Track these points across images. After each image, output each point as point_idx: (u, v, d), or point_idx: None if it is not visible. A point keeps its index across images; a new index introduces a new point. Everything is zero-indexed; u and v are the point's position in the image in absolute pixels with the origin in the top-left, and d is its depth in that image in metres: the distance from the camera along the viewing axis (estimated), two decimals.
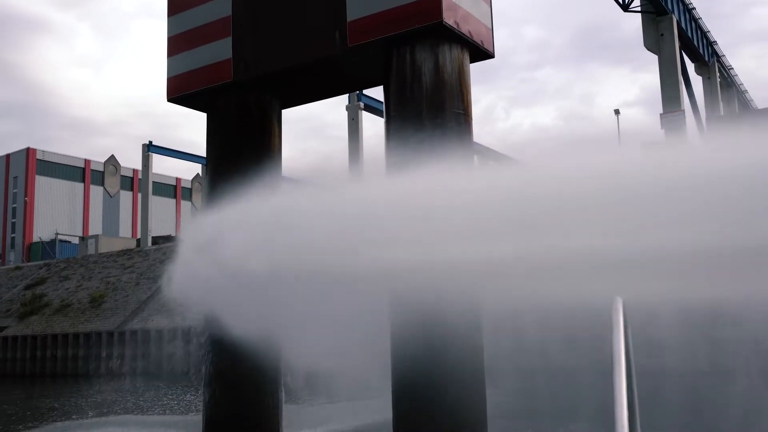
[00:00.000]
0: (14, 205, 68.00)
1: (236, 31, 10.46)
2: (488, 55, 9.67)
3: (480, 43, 9.29)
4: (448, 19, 8.66)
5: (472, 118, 9.15)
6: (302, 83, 10.67)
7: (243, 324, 8.93)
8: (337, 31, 9.43)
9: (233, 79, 10.40)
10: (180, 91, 10.95)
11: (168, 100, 11.09)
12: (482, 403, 8.39)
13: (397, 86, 8.96)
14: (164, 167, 72.12)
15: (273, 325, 8.86)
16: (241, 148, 10.78)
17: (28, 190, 66.99)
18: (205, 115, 11.29)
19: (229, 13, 10.54)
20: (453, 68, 8.84)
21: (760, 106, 45.95)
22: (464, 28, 8.97)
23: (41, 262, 53.18)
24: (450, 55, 8.92)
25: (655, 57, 29.81)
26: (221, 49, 10.55)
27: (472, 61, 9.52)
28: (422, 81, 8.78)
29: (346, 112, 39.05)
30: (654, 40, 30.03)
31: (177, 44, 11.06)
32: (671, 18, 30.26)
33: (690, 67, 38.92)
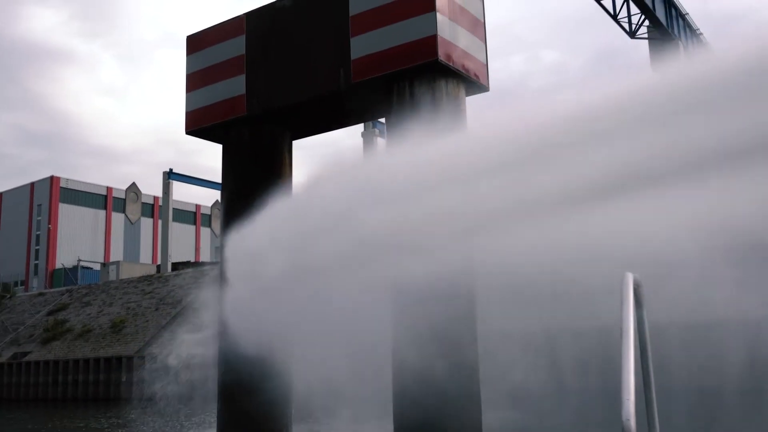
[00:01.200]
0: (38, 233, 69.46)
1: (249, 68, 11.24)
2: (483, 88, 10.35)
3: (475, 78, 9.97)
4: (444, 56, 9.35)
5: None
6: (311, 116, 11.40)
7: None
8: (342, 68, 10.17)
9: (247, 113, 11.16)
10: (197, 125, 11.71)
11: (186, 133, 11.86)
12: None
13: (397, 118, 9.65)
14: (184, 194, 73.48)
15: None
16: (255, 176, 11.49)
17: (52, 217, 68.47)
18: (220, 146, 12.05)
19: (243, 52, 11.33)
20: (449, 101, 9.52)
21: None
22: (459, 64, 9.66)
23: (63, 288, 54.25)
24: (446, 89, 9.60)
25: None
26: (236, 86, 11.32)
27: (468, 95, 10.21)
28: (420, 113, 9.46)
29: (362, 139, 39.97)
30: (661, 65, 30.57)
31: (195, 81, 11.85)
32: (677, 44, 30.85)
33: None
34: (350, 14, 10.12)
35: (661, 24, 29.82)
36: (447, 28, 9.42)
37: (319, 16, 10.55)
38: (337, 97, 10.50)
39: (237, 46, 11.40)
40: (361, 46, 9.92)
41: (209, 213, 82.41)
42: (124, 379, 36.65)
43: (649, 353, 3.83)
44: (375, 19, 9.78)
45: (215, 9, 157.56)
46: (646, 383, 3.83)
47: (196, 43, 12.00)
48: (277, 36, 11.03)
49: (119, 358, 37.45)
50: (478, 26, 10.20)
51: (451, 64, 9.46)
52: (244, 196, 11.35)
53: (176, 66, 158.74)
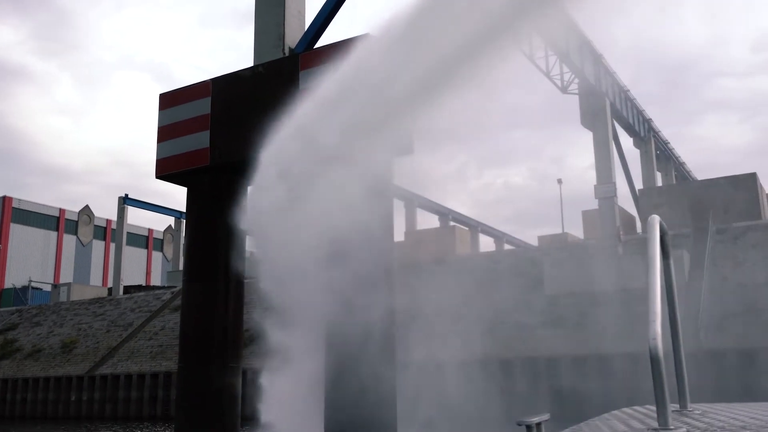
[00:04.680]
0: None
1: (213, 125, 13.29)
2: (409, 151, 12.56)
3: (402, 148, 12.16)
4: None
5: None
6: None
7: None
8: None
9: (210, 164, 13.17)
10: (166, 171, 13.68)
11: (156, 177, 13.80)
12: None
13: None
14: (137, 217, 74.11)
15: None
16: (215, 218, 13.48)
17: (2, 237, 68.51)
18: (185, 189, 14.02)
19: (208, 111, 13.38)
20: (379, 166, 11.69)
21: (719, 174, 49.77)
22: None
23: (13, 308, 54.54)
24: None
25: None
26: (201, 139, 13.34)
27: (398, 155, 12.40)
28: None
29: None
30: (589, 118, 33.58)
31: (165, 133, 13.83)
32: (605, 100, 33.93)
33: (629, 141, 42.81)
34: (299, 88, 12.28)
35: (589, 81, 32.89)
36: None
37: (274, 86, 12.68)
38: None
39: (203, 106, 13.42)
40: None
41: (161, 237, 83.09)
42: (73, 398, 37.55)
43: (676, 299, 4.06)
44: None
45: (174, 34, 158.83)
46: (673, 328, 4.07)
47: (168, 100, 13.99)
48: (237, 100, 13.12)
49: (70, 378, 38.35)
50: None
51: None
52: (204, 231, 13.42)
53: (133, 88, 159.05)
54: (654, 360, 3.18)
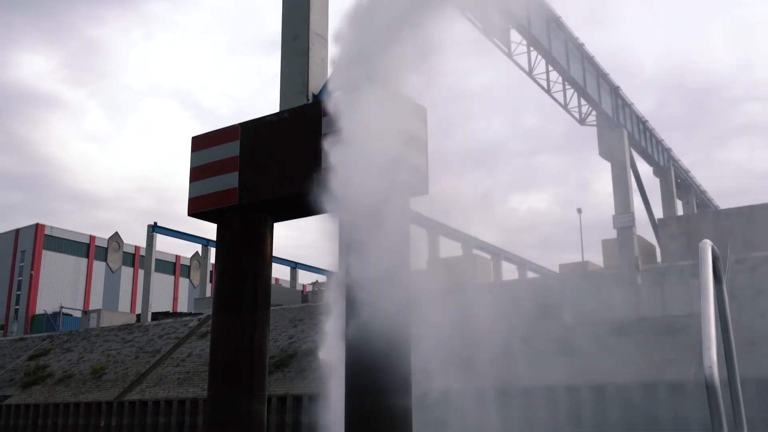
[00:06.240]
0: (20, 278, 71.14)
1: (242, 167, 14.22)
2: (424, 192, 13.35)
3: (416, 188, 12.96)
4: None
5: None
6: (289, 207, 14.36)
7: None
8: (315, 172, 13.15)
9: (238, 203, 14.08)
10: (198, 209, 14.62)
11: (188, 215, 14.74)
12: None
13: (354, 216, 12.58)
14: (164, 244, 75.63)
15: None
16: (242, 251, 14.36)
17: (35, 264, 70.33)
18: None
19: (237, 153, 14.32)
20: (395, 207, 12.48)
21: (747, 199, 49.86)
22: None
23: (44, 334, 55.95)
24: None
25: None
26: (230, 180, 14.26)
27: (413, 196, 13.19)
28: (373, 215, 12.39)
29: None
30: (608, 149, 34.14)
31: (197, 173, 14.79)
32: (622, 131, 34.49)
33: (649, 169, 43.21)
34: (321, 132, 13.16)
35: (606, 114, 33.53)
36: None
37: (298, 131, 13.59)
38: (310, 195, 13.46)
39: (233, 149, 14.37)
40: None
41: (188, 264, 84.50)
42: (102, 423, 38.47)
43: (729, 324, 3.92)
44: (339, 137, 12.81)
45: (202, 61, 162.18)
46: (727, 354, 3.92)
47: (199, 143, 14.98)
48: (264, 143, 14.05)
49: (99, 403, 39.30)
50: (421, 146, 13.24)
51: None
52: (232, 265, 14.30)
53: (161, 115, 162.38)
54: (711, 389, 3.00)
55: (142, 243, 58.29)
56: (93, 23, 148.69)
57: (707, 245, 3.56)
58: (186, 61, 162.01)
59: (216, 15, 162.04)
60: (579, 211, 46.85)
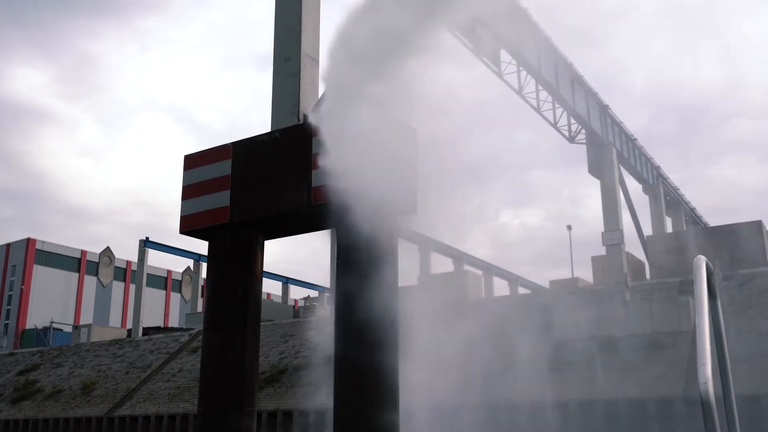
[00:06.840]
0: (10, 293, 70.89)
1: (233, 186, 14.42)
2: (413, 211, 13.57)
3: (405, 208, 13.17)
4: None
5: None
6: (279, 225, 14.56)
7: None
8: (305, 192, 13.38)
9: (229, 221, 14.27)
10: (190, 227, 14.80)
11: (180, 233, 14.91)
12: None
13: (344, 234, 12.81)
14: (156, 259, 75.60)
15: None
16: (233, 269, 14.53)
17: (26, 278, 70.12)
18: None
19: (229, 173, 14.52)
20: (383, 225, 12.71)
21: (737, 215, 50.35)
22: None
23: (34, 349, 55.69)
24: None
25: None
26: (222, 198, 14.46)
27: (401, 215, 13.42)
28: (363, 232, 12.61)
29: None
30: (596, 167, 34.54)
31: (189, 192, 14.98)
32: (611, 149, 34.90)
33: (639, 186, 43.64)
34: (312, 152, 13.39)
35: (595, 132, 33.95)
36: None
37: (289, 150, 13.82)
38: (300, 213, 13.67)
39: (224, 168, 14.58)
40: (319, 177, 13.14)
41: (180, 279, 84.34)
42: None
43: (724, 341, 3.85)
44: (329, 158, 13.05)
45: (196, 76, 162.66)
46: (722, 370, 3.88)
47: (192, 161, 15.17)
48: (256, 162, 14.27)
49: (89, 419, 39.17)
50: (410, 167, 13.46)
51: None
52: (223, 282, 14.46)
53: (154, 130, 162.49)
54: (705, 405, 2.97)
55: (134, 257, 58.29)
56: (88, 37, 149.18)
57: (701, 261, 3.53)
58: (180, 76, 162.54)
59: (211, 30, 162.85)
60: (569, 227, 47.22)
